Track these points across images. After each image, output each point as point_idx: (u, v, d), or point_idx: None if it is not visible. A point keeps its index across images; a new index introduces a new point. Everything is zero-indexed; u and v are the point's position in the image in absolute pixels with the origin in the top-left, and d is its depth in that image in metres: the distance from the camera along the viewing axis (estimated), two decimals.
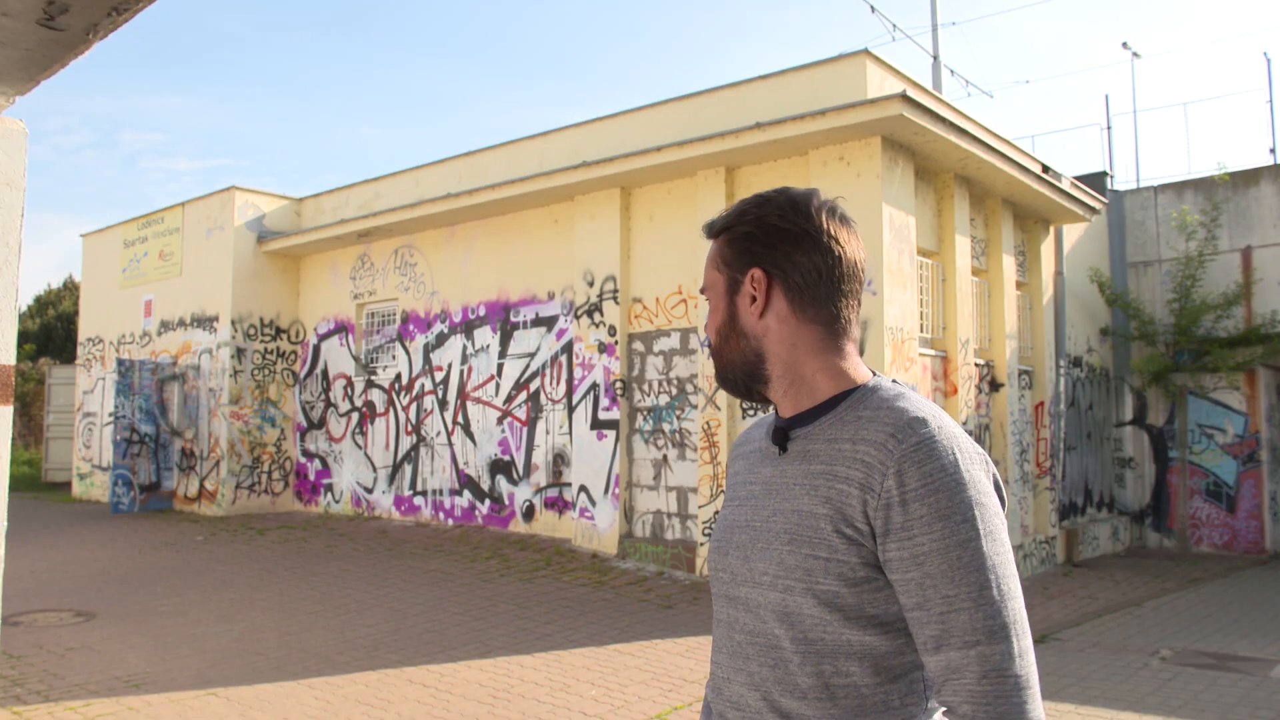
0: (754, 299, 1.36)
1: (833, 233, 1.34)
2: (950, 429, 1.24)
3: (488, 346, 11.63)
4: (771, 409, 1.47)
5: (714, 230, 1.42)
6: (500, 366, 11.46)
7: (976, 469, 1.23)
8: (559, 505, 10.70)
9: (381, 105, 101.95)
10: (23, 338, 24.36)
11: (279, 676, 5.65)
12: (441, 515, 11.94)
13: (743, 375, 1.40)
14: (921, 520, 1.18)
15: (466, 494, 11.70)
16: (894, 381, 1.36)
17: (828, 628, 1.23)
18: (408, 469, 12.47)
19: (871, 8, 16.56)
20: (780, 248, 1.34)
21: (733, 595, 1.35)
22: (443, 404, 12.08)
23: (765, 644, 1.29)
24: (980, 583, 1.17)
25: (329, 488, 13.54)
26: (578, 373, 10.42)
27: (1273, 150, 15.63)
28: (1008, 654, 1.16)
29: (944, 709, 1.22)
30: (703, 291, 1.45)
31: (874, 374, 1.38)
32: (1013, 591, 1.19)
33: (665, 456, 9.66)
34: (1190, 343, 12.11)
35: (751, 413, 8.96)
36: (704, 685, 5.57)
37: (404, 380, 12.63)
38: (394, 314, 13.03)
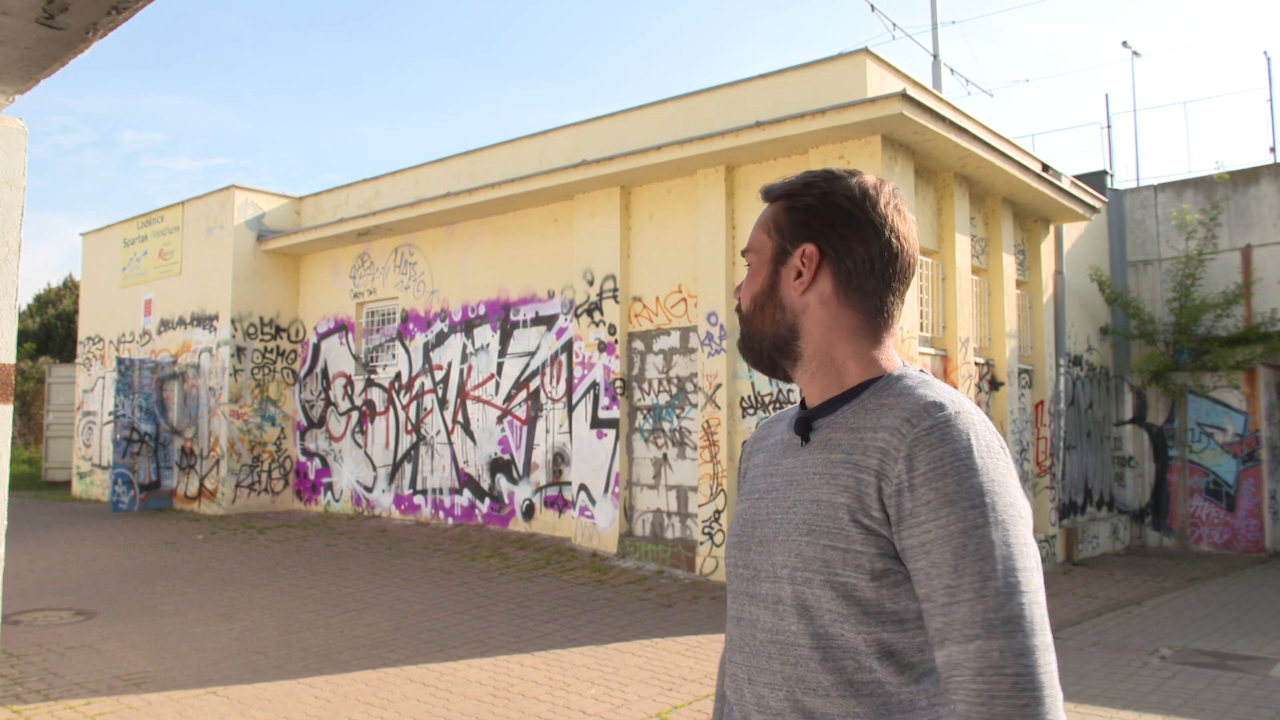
0: (800, 274, 1.32)
1: (896, 227, 1.31)
2: (970, 415, 1.21)
3: (487, 345, 11.63)
4: (798, 401, 1.45)
5: (772, 195, 1.38)
6: (500, 365, 11.46)
7: (993, 457, 1.17)
8: (559, 504, 10.70)
9: (381, 105, 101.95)
10: (23, 336, 24.35)
11: (279, 675, 5.65)
12: (441, 514, 11.95)
13: (770, 348, 1.36)
14: (928, 505, 1.14)
15: (466, 493, 11.70)
16: (921, 371, 1.31)
17: (846, 623, 1.19)
18: (407, 468, 12.47)
19: (871, 6, 16.56)
20: (839, 230, 1.31)
21: (753, 592, 1.30)
22: (443, 403, 12.08)
23: (785, 642, 1.25)
24: (984, 572, 1.10)
25: (329, 486, 13.54)
26: (578, 371, 10.41)
27: (1273, 149, 15.64)
28: (1008, 650, 1.07)
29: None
30: (745, 254, 1.39)
31: (904, 364, 1.33)
32: (1023, 585, 1.11)
33: (665, 455, 9.67)
34: (1190, 341, 12.11)
35: (752, 412, 8.97)
36: (704, 683, 5.57)
37: (404, 379, 12.63)
38: (394, 313, 13.03)
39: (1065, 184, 10.62)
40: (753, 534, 1.33)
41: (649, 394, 9.91)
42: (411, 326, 12.62)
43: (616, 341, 10.06)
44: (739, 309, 1.41)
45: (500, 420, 11.37)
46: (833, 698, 1.20)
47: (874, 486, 1.18)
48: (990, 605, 1.09)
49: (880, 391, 1.27)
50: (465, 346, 11.89)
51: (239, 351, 13.57)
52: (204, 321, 14.02)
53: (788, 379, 1.39)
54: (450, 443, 11.94)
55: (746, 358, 1.41)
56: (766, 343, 1.36)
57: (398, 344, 12.83)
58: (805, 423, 1.32)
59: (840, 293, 1.31)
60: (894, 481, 1.17)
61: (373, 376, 13.10)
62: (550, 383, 10.88)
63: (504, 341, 11.45)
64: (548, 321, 11.01)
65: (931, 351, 9.22)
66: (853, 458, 1.22)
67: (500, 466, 11.35)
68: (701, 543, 9.04)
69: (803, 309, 1.32)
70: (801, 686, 1.22)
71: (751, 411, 8.96)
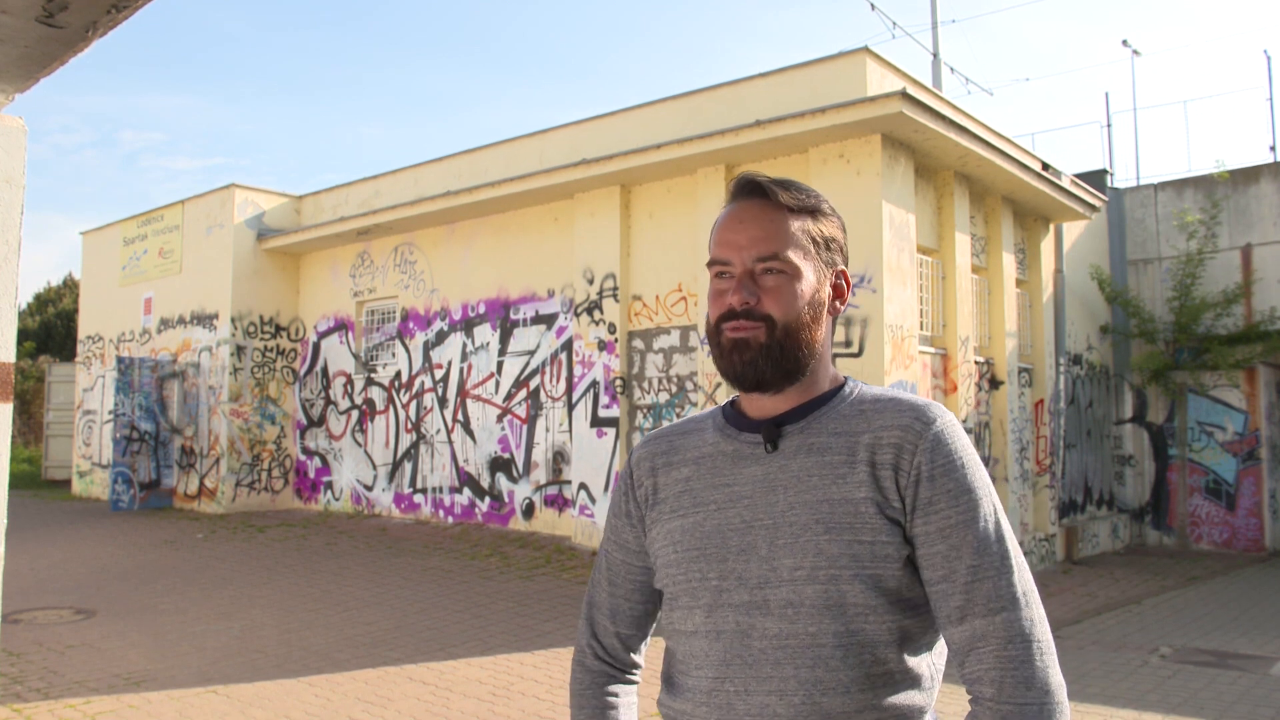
0: (839, 299, 1.38)
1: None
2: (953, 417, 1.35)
3: (487, 344, 11.63)
4: (715, 414, 1.45)
5: (799, 205, 1.34)
6: (500, 364, 11.46)
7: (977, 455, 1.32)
8: (559, 503, 10.70)
9: (381, 105, 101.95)
10: (22, 335, 24.35)
11: (279, 674, 5.66)
12: (441, 513, 11.95)
13: (799, 362, 1.31)
14: (948, 494, 1.24)
15: (466, 492, 11.70)
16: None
17: (870, 616, 1.23)
18: (407, 467, 12.47)
19: (871, 5, 16.51)
20: (846, 257, 1.42)
21: (739, 602, 1.28)
22: (442, 402, 12.08)
23: (801, 645, 1.24)
24: (1001, 553, 1.23)
25: (329, 485, 13.54)
26: (577, 370, 10.41)
27: (1273, 148, 15.61)
28: (1030, 619, 1.21)
29: (968, 681, 1.23)
30: (770, 258, 1.30)
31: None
32: (1023, 563, 1.26)
33: None
34: (1190, 340, 12.11)
35: None
36: None
37: (404, 378, 12.63)
38: (394, 311, 13.03)
39: (1065, 183, 10.61)
40: (724, 544, 1.30)
41: (649, 393, 9.91)
42: (411, 325, 12.62)
43: (616, 340, 10.06)
44: (763, 316, 1.29)
45: (500, 419, 11.37)
46: (851, 693, 1.23)
47: (890, 479, 1.26)
48: (1010, 581, 1.22)
49: (853, 401, 1.34)
50: (465, 345, 11.89)
51: (239, 350, 13.57)
52: (204, 320, 14.02)
53: (775, 391, 1.33)
54: (450, 441, 11.94)
55: (762, 369, 1.30)
56: (801, 358, 1.31)
57: (398, 343, 12.83)
58: (773, 430, 1.33)
59: (836, 315, 1.41)
60: (910, 473, 1.25)
61: (373, 375, 13.10)
62: (550, 381, 10.88)
63: (504, 340, 11.45)
64: (548, 320, 11.01)
65: (931, 350, 9.22)
66: (858, 456, 1.28)
67: (500, 465, 11.35)
68: None
69: (825, 329, 1.37)
70: (820, 688, 1.23)
71: None
